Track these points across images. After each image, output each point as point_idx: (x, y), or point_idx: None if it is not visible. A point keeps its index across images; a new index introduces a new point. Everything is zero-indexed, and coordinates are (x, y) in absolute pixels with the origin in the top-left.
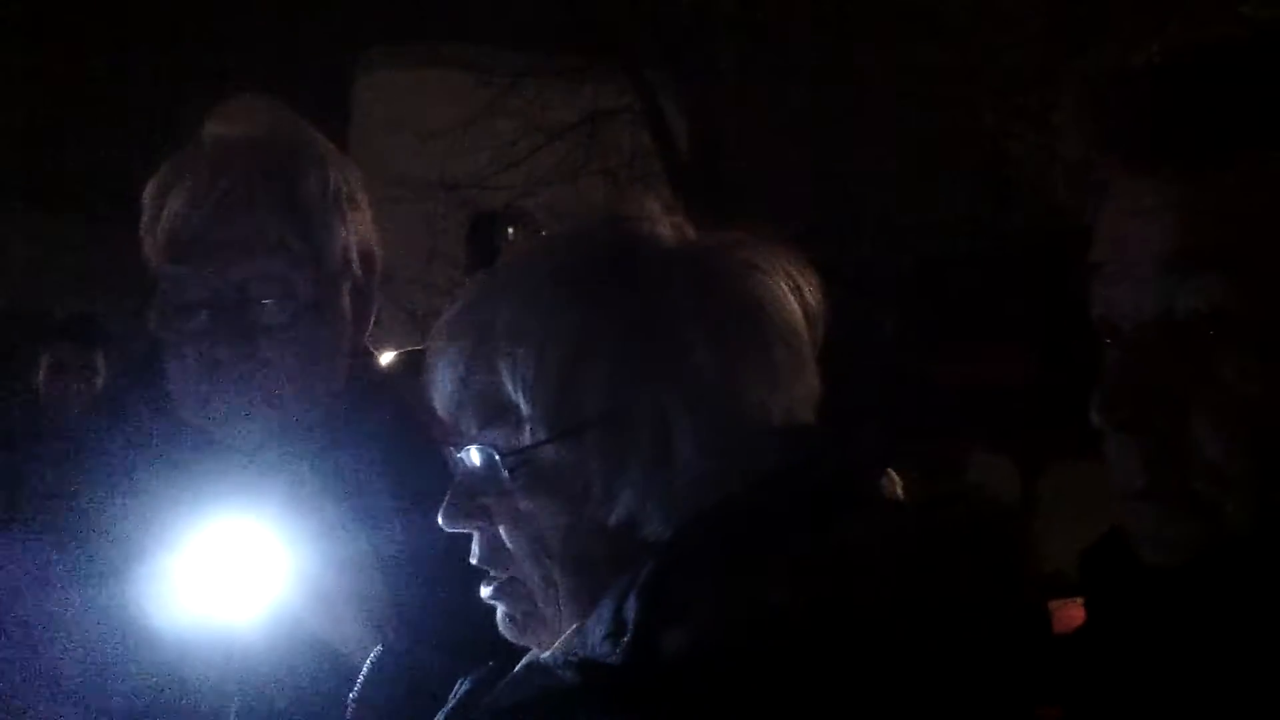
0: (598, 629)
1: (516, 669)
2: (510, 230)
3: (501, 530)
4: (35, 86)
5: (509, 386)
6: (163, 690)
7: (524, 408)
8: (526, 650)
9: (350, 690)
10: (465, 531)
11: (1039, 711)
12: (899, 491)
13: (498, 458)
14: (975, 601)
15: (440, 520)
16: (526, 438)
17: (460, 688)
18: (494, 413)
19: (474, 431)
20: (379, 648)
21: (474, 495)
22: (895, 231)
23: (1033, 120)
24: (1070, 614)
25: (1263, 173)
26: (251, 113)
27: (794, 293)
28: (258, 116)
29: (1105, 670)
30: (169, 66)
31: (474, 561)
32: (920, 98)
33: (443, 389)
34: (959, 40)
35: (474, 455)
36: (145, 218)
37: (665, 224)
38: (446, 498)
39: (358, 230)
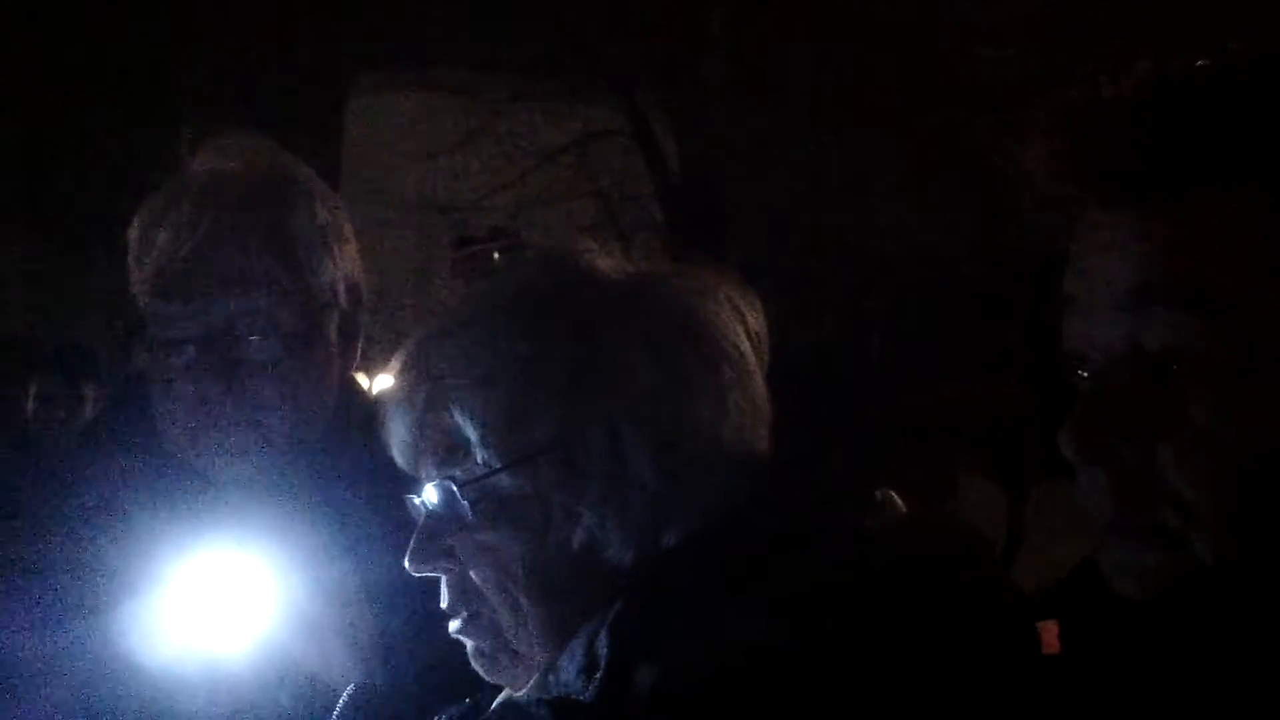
0: (570, 666)
1: (491, 709)
2: (496, 254)
3: (468, 566)
4: (28, 113)
5: (461, 423)
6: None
7: (477, 442)
8: (501, 689)
9: None
10: (432, 575)
11: None
12: (900, 509)
13: (456, 490)
14: (947, 631)
15: (407, 565)
16: (480, 470)
17: None
18: (450, 451)
19: (431, 470)
20: (351, 685)
21: (438, 537)
22: (883, 254)
23: (1018, 140)
24: (1048, 637)
25: (1229, 208)
26: (239, 148)
27: (736, 316)
28: (245, 151)
29: (1077, 697)
30: (163, 93)
31: (443, 605)
32: (910, 119)
33: (400, 438)
34: (950, 61)
35: (433, 494)
36: (132, 251)
37: (603, 257)
38: (411, 543)
39: (345, 263)
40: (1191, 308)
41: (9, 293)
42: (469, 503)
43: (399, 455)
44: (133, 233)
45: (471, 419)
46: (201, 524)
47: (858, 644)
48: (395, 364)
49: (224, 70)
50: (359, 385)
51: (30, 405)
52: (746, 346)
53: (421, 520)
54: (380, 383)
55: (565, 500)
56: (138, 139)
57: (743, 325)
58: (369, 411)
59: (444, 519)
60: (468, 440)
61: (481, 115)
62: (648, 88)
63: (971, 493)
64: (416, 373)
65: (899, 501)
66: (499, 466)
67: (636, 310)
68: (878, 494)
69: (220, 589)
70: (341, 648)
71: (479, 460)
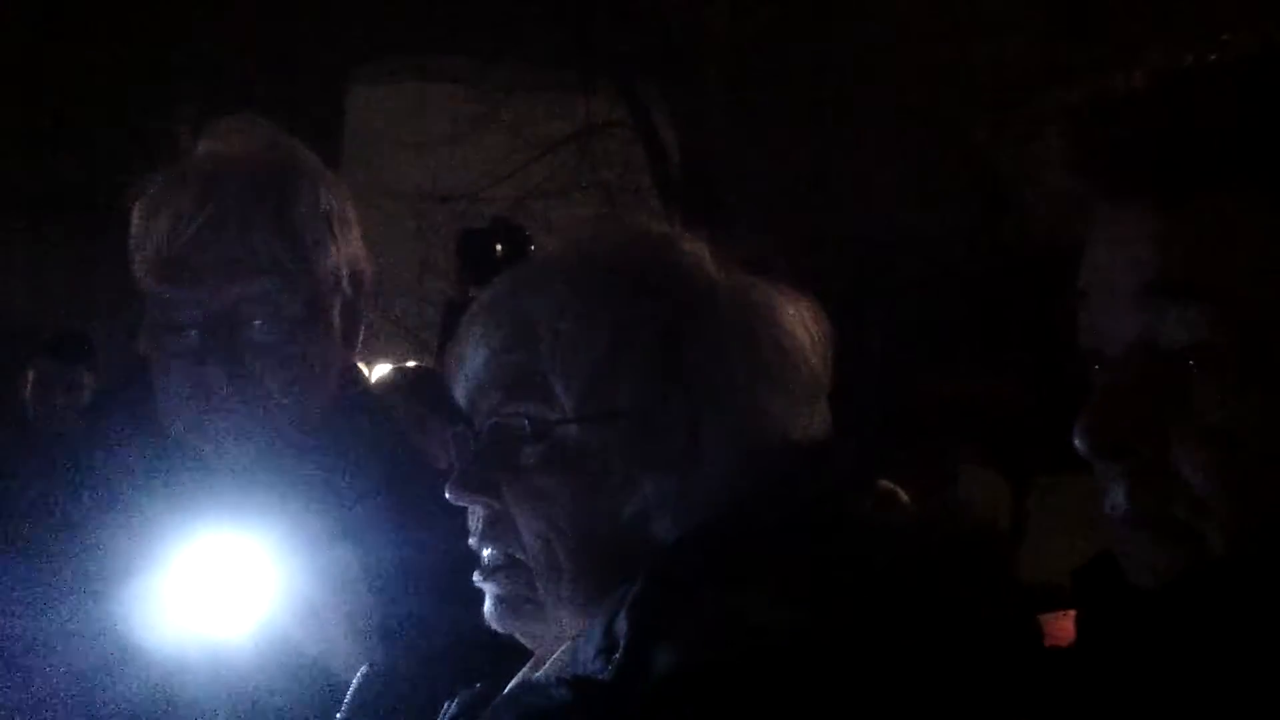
0: (589, 646)
1: (507, 690)
2: (499, 246)
3: (513, 507)
4: (29, 100)
5: (546, 362)
6: (152, 706)
7: (558, 385)
8: (516, 670)
9: (337, 710)
10: (469, 505)
11: None
12: (904, 501)
13: (526, 426)
14: (962, 619)
15: (449, 491)
16: (554, 414)
17: (447, 709)
18: (524, 387)
19: (495, 402)
20: (365, 668)
21: (488, 469)
22: (886, 246)
23: (1019, 134)
24: (1062, 627)
25: (1242, 202)
26: (242, 132)
27: (807, 333)
28: (248, 136)
29: (1093, 689)
30: (163, 82)
31: (471, 541)
32: (912, 112)
33: (471, 365)
34: (951, 54)
35: (495, 430)
36: (134, 236)
37: (701, 251)
38: (459, 468)
39: (348, 249)
40: (1205, 303)
41: (10, 278)
42: (534, 437)
43: (460, 391)
44: (135, 216)
45: (561, 361)
46: (203, 508)
47: (875, 628)
48: (480, 301)
49: (224, 60)
50: (361, 371)
51: (29, 390)
52: (815, 363)
53: (474, 447)
54: (379, 371)
55: (628, 467)
56: (138, 125)
57: (812, 344)
58: (371, 396)
59: (500, 453)
60: (544, 379)
61: (482, 106)
62: (649, 80)
63: (973, 487)
64: (505, 310)
65: (901, 493)
66: (572, 417)
67: (729, 308)
68: (883, 486)
69: (222, 573)
70: (344, 632)
71: (554, 400)
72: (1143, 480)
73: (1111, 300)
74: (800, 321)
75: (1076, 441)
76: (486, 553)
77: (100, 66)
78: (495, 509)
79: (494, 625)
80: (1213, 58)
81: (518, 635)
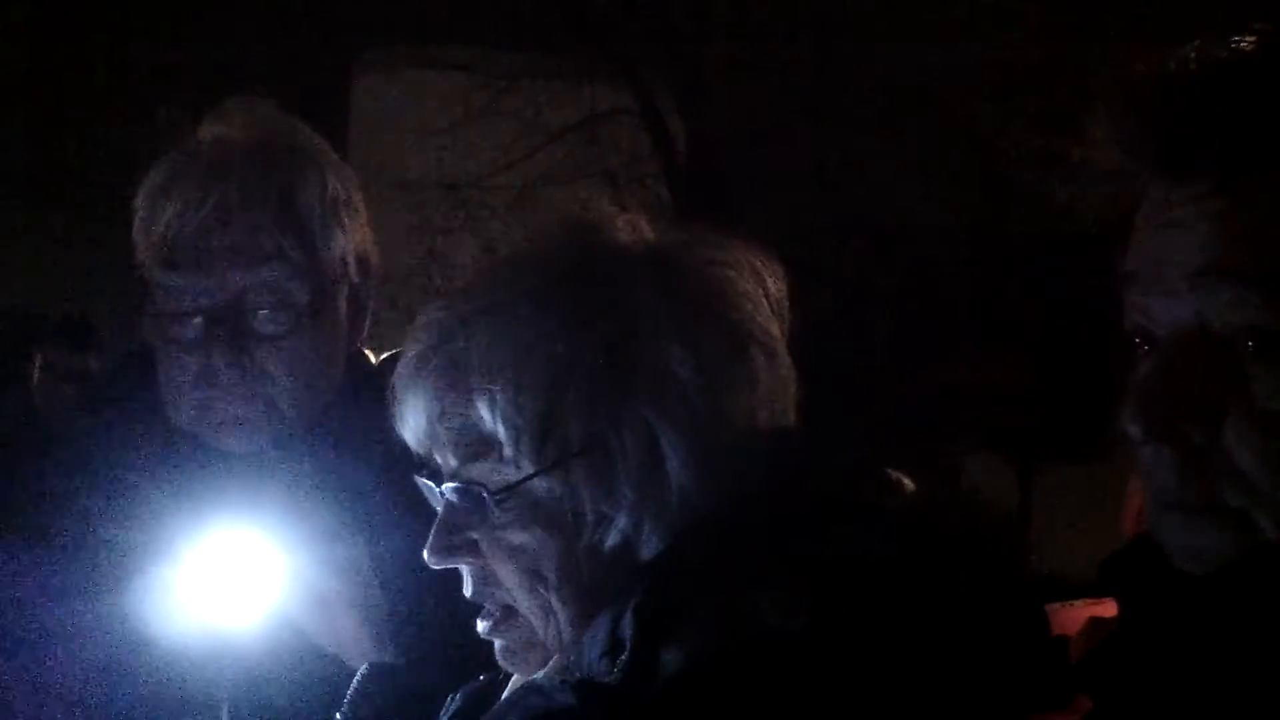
0: (593, 648)
1: (512, 690)
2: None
3: (493, 565)
4: (33, 86)
5: (488, 422)
6: (158, 695)
7: (507, 444)
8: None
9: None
10: (454, 567)
11: (1046, 718)
12: (909, 489)
13: (486, 495)
14: (972, 610)
15: (426, 558)
16: (511, 472)
17: (451, 703)
18: (475, 449)
19: (453, 466)
20: (367, 664)
21: (460, 530)
22: (891, 234)
23: (1030, 124)
24: (1068, 616)
25: None
26: (248, 115)
27: (758, 283)
28: (254, 119)
29: (1137, 676)
30: (167, 68)
31: (467, 595)
32: (917, 101)
33: (415, 426)
34: (955, 41)
35: (458, 494)
36: (138, 221)
37: (621, 224)
38: (431, 536)
39: (355, 236)
40: (1261, 287)
41: (12, 263)
42: (496, 503)
43: (413, 442)
44: (139, 202)
45: (502, 419)
46: (208, 497)
47: (883, 624)
48: (409, 345)
49: (229, 46)
50: (368, 358)
51: (34, 378)
52: (771, 320)
53: (441, 511)
54: (389, 362)
55: (599, 502)
56: (141, 112)
57: (765, 293)
58: (378, 385)
59: (468, 514)
60: (493, 436)
61: (488, 93)
62: (654, 67)
63: (978, 475)
64: (436, 363)
65: (908, 482)
66: (530, 472)
67: (665, 290)
68: (891, 475)
69: (228, 563)
70: (352, 623)
71: (505, 458)
72: (1193, 464)
73: (1163, 282)
74: (748, 278)
75: (1125, 424)
76: (487, 605)
77: (102, 53)
78: (479, 565)
79: (507, 669)
80: (1270, 36)
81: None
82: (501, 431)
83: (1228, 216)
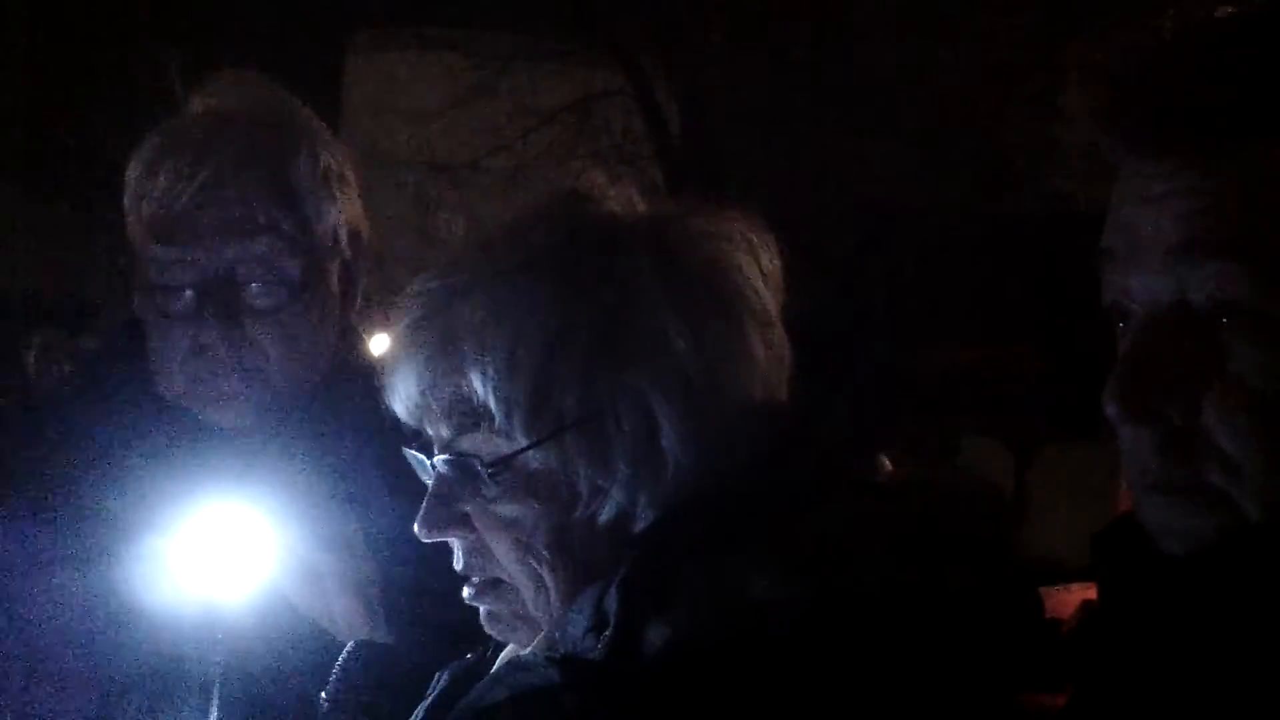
0: (578, 624)
1: (497, 666)
2: None
3: (485, 537)
4: (30, 71)
5: (481, 393)
6: (149, 668)
7: (499, 415)
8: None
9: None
10: (445, 540)
11: (1038, 699)
12: (888, 470)
13: (479, 467)
14: (960, 588)
15: (418, 530)
16: (504, 444)
17: (439, 680)
18: (467, 420)
19: (445, 438)
20: (352, 642)
21: (452, 503)
22: (888, 216)
23: (1027, 106)
24: (1063, 599)
25: (1276, 156)
26: (239, 88)
27: (752, 257)
28: (245, 92)
29: (1116, 655)
30: (159, 50)
31: (457, 569)
32: (914, 82)
33: (406, 398)
34: (954, 25)
35: (450, 466)
36: (129, 194)
37: (614, 197)
38: (423, 508)
39: (346, 209)
40: (1239, 260)
41: (11, 244)
42: (489, 475)
43: (404, 413)
44: (130, 175)
45: (494, 391)
46: (199, 471)
47: (870, 600)
48: (401, 317)
49: (221, 27)
50: (359, 334)
51: (32, 358)
52: (765, 292)
53: (432, 484)
54: (379, 343)
55: (593, 476)
56: (136, 89)
57: (759, 266)
58: (370, 359)
59: (460, 486)
60: (487, 410)
61: (481, 75)
62: (649, 48)
63: (974, 456)
64: (428, 333)
65: (886, 462)
66: (524, 444)
67: (660, 262)
68: (877, 456)
69: (220, 538)
70: (343, 597)
71: (498, 429)
72: (1174, 445)
73: (1140, 258)
74: (742, 250)
75: (1106, 406)
76: (474, 576)
77: (96, 34)
78: (470, 539)
79: (493, 636)
80: (1241, 7)
81: (518, 646)
82: (494, 403)
83: (1204, 191)
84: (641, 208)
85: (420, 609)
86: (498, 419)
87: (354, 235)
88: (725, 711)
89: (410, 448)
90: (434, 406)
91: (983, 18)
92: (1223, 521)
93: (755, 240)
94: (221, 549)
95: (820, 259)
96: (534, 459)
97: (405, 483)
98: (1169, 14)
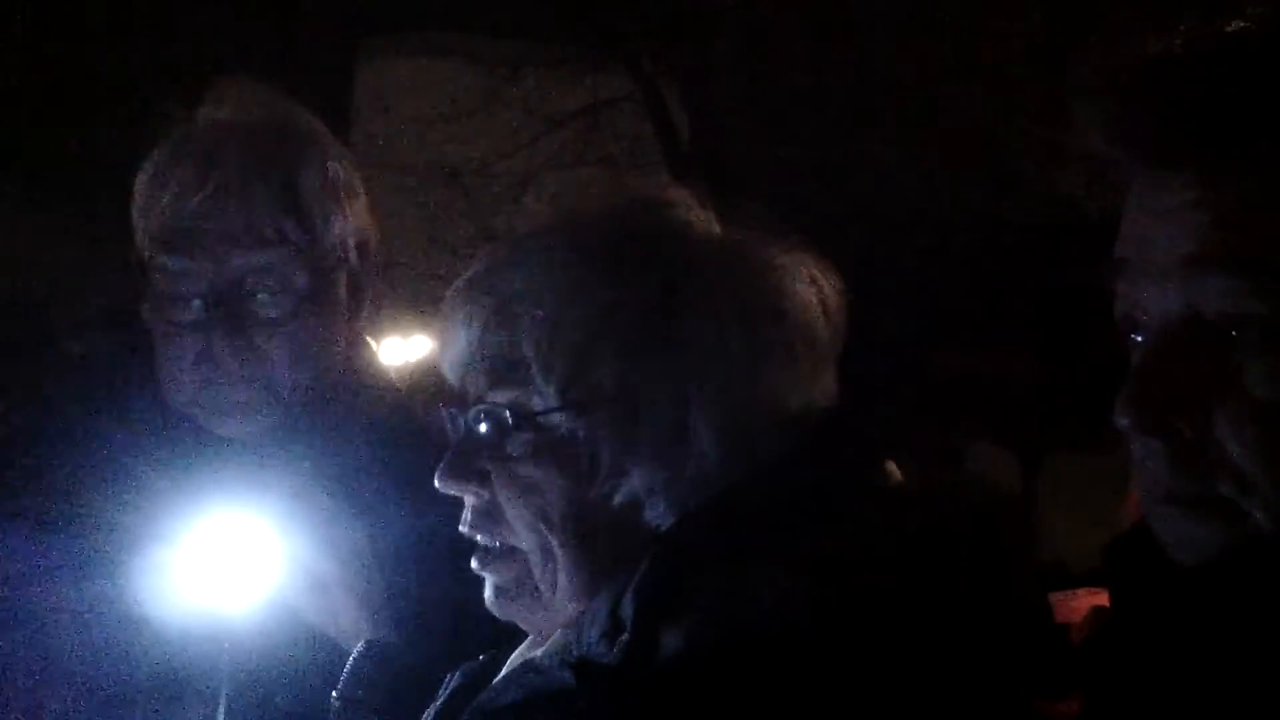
0: (593, 628)
1: (510, 668)
2: None
3: (501, 497)
4: (33, 75)
5: (527, 346)
6: (156, 677)
7: (539, 371)
8: (517, 644)
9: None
10: (458, 494)
11: (1050, 706)
12: (898, 479)
13: (508, 417)
14: (978, 595)
15: (437, 480)
16: (538, 402)
17: (450, 682)
18: (506, 373)
19: (482, 389)
20: (364, 641)
21: (475, 457)
22: (894, 223)
23: (1033, 113)
24: (1072, 606)
25: None
26: (246, 98)
27: (816, 294)
28: (253, 102)
29: (1129, 665)
30: (167, 56)
31: (463, 528)
32: (920, 90)
33: (455, 346)
34: (959, 32)
35: (480, 418)
36: (137, 204)
37: (696, 213)
38: (446, 457)
39: (354, 219)
40: (1249, 274)
41: (16, 252)
42: (515, 428)
43: (449, 370)
44: (138, 186)
45: (538, 347)
46: (206, 481)
47: (887, 607)
48: (462, 279)
49: (230, 34)
50: (368, 343)
51: (53, 367)
52: (823, 327)
53: (460, 437)
54: (389, 346)
55: (617, 454)
56: (141, 97)
57: (821, 303)
58: (378, 368)
59: (485, 442)
60: (527, 366)
61: (491, 81)
62: (658, 55)
63: (982, 464)
64: (488, 285)
65: (896, 471)
66: (555, 405)
67: (725, 275)
68: (888, 463)
69: (227, 547)
70: (349, 607)
71: (534, 386)
72: (1185, 457)
73: (1152, 271)
74: (805, 283)
75: (1117, 418)
76: (482, 540)
77: (102, 37)
78: (484, 498)
79: (494, 612)
80: (1253, 22)
81: (518, 622)
82: (535, 358)
83: (1216, 204)
84: (716, 227)
85: (427, 619)
86: (537, 378)
87: (361, 245)
88: (739, 717)
89: (443, 403)
90: (479, 359)
91: (988, 23)
92: (1234, 533)
93: (821, 278)
94: (228, 559)
95: (832, 264)
96: (562, 424)
97: (412, 493)
98: (1179, 27)
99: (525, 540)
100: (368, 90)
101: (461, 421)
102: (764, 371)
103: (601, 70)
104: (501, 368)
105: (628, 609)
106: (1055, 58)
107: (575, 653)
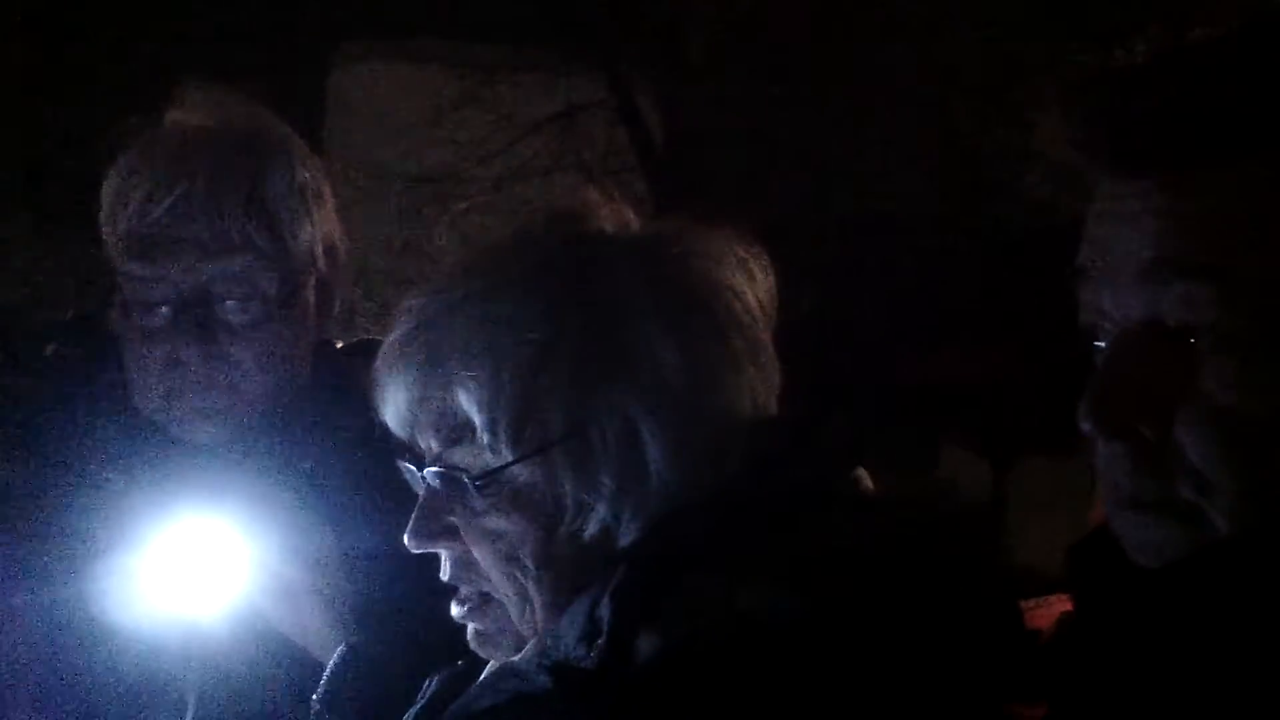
0: (571, 632)
1: (487, 673)
2: None
3: (473, 550)
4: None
5: (467, 409)
6: (124, 685)
7: (484, 431)
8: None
9: (312, 689)
10: (433, 551)
11: (1019, 711)
12: (869, 486)
13: (467, 480)
14: (946, 601)
15: (407, 541)
16: (491, 459)
17: (428, 687)
18: (455, 434)
19: (434, 450)
20: (344, 645)
21: (441, 515)
22: (868, 228)
23: (1006, 118)
24: (1043, 612)
25: (1249, 179)
26: (214, 103)
27: (744, 275)
28: (220, 107)
29: (1091, 667)
30: (146, 61)
31: (444, 579)
32: (894, 94)
33: (396, 411)
34: (934, 37)
35: (439, 479)
36: (105, 210)
37: (606, 213)
38: (412, 519)
39: (323, 225)
40: (1208, 281)
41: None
42: (477, 489)
43: (394, 426)
44: (105, 192)
45: (480, 407)
46: (173, 487)
47: (858, 612)
48: (392, 331)
49: (206, 40)
50: (335, 348)
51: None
52: (757, 310)
53: (422, 496)
54: (355, 353)
55: (579, 490)
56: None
57: (751, 285)
58: (344, 375)
59: (448, 499)
60: (471, 423)
61: (464, 86)
62: (632, 60)
63: (953, 468)
64: (416, 348)
65: (866, 477)
66: (509, 460)
67: (647, 279)
68: (857, 469)
69: (195, 553)
70: (317, 613)
71: (484, 444)
72: (1146, 461)
73: (1114, 277)
74: (732, 268)
75: (1081, 423)
76: (464, 590)
77: (83, 43)
78: (458, 551)
79: (478, 653)
80: (1217, 30)
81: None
82: (479, 419)
83: (1178, 211)
84: (633, 225)
85: (394, 625)
86: (484, 435)
87: (330, 251)
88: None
89: (402, 460)
90: (422, 420)
91: (964, 28)
92: (1194, 535)
93: (748, 258)
94: (196, 564)
95: (800, 271)
96: (520, 474)
97: (380, 498)
98: (1142, 36)
99: (501, 587)
100: (343, 95)
101: (421, 479)
102: (700, 376)
103: (576, 75)
104: (448, 428)
105: (605, 613)
106: (1031, 62)
107: (553, 656)
